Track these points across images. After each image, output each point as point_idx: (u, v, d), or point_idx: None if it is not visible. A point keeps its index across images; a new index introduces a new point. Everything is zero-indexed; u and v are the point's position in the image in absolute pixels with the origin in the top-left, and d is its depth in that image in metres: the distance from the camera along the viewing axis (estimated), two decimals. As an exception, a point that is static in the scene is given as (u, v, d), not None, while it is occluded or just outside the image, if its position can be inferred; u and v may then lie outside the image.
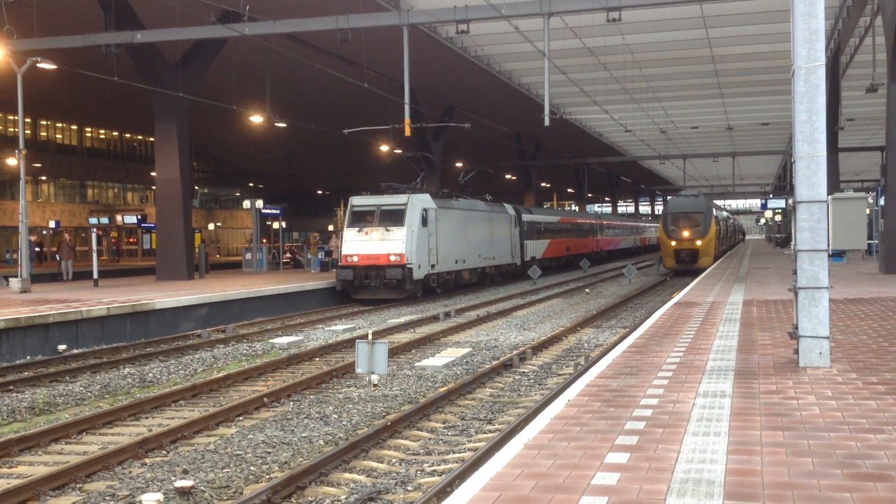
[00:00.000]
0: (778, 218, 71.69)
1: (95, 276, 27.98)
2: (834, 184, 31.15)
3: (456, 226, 30.57)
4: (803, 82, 8.77)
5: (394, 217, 26.79)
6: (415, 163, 31.19)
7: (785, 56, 31.13)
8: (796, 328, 9.04)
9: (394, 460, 8.98)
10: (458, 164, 59.01)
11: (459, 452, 9.22)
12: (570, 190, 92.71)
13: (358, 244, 26.76)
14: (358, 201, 27.77)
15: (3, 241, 54.61)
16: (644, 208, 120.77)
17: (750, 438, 6.26)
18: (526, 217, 41.22)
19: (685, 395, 7.84)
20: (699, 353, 10.45)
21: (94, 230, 31.92)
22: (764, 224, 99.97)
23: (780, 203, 58.36)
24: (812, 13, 8.73)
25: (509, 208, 38.84)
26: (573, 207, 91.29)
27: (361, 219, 27.10)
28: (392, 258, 26.38)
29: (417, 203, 27.27)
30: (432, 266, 28.03)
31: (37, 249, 32.70)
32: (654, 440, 6.29)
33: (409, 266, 26.35)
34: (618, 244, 67.68)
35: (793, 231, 9.12)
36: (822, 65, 8.75)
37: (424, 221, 27.30)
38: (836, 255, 30.62)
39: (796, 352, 9.14)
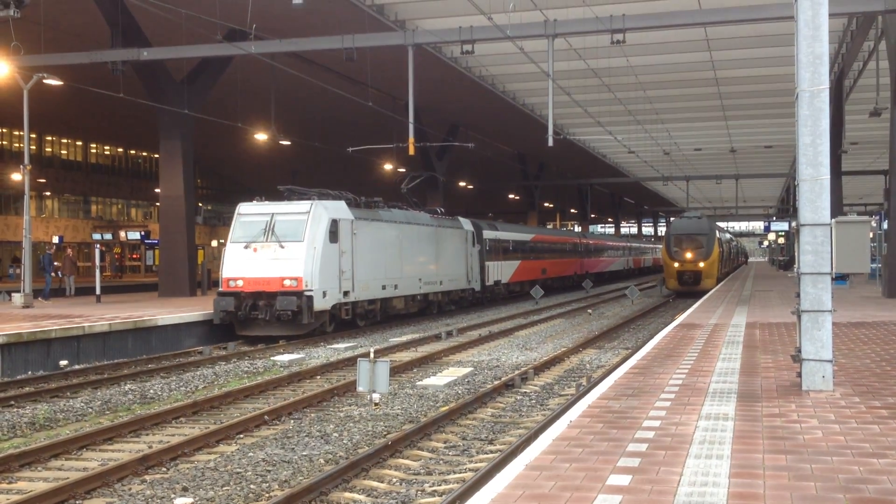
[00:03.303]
0: (781, 241, 71.70)
1: (98, 291, 28.00)
2: (837, 207, 31.16)
3: (384, 242, 25.21)
4: (807, 106, 8.79)
5: (291, 229, 21.62)
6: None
7: (788, 79, 31.29)
8: (799, 351, 9.02)
9: (394, 480, 8.95)
10: (462, 184, 59.17)
11: (460, 473, 9.18)
12: (573, 210, 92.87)
13: (243, 264, 21.51)
14: (246, 209, 22.55)
15: (7, 257, 54.69)
16: (647, 229, 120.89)
17: (752, 462, 6.23)
18: (489, 234, 35.98)
19: (688, 418, 7.82)
20: (702, 375, 10.42)
21: (98, 246, 31.95)
22: (767, 246, 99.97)
23: (784, 226, 58.44)
24: (816, 37, 8.77)
25: (465, 223, 33.53)
26: (576, 228, 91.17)
27: (250, 231, 21.92)
28: (286, 283, 21.04)
29: (323, 212, 22.02)
30: (345, 293, 22.56)
31: (55, 264, 32.61)
32: (657, 462, 6.26)
33: (307, 293, 20.92)
34: (606, 266, 61.62)
35: (796, 254, 9.12)
36: (826, 89, 8.78)
37: (334, 236, 22.05)
38: (839, 279, 30.58)
39: (799, 375, 9.11)
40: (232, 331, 21.73)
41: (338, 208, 22.89)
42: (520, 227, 44.08)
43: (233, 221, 22.54)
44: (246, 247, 21.70)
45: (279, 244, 21.41)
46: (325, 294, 21.56)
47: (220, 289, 21.71)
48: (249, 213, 22.36)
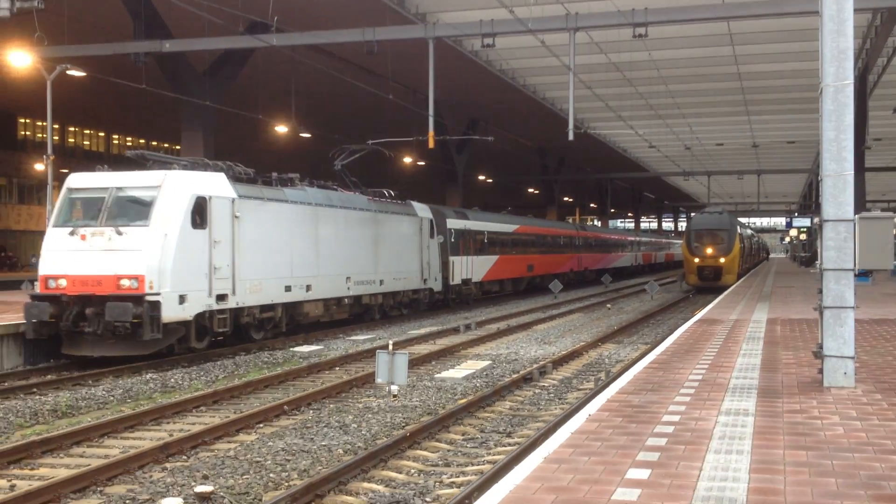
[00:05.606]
0: (803, 237, 71.18)
1: (119, 281, 28.13)
2: (860, 203, 30.87)
3: (289, 229, 19.67)
4: (831, 101, 8.73)
5: (133, 209, 16.13)
6: None
7: (812, 74, 31.03)
8: (821, 347, 8.97)
9: (412, 471, 8.97)
10: (481, 177, 59.12)
11: (478, 465, 9.20)
12: (592, 205, 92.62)
13: (67, 257, 15.89)
14: (78, 181, 16.82)
15: (30, 246, 55.13)
16: (667, 224, 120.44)
17: (773, 457, 6.21)
18: (454, 223, 30.69)
19: (707, 413, 7.79)
20: (722, 370, 10.38)
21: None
22: (788, 243, 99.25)
23: (806, 222, 57.93)
24: (841, 32, 8.70)
25: (421, 209, 27.94)
26: (595, 223, 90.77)
27: (82, 212, 16.43)
28: (123, 283, 15.40)
29: (184, 186, 16.34)
30: (220, 297, 16.95)
31: None
32: (676, 457, 6.25)
33: (151, 298, 15.33)
34: (610, 262, 56.36)
35: (818, 250, 9.06)
36: (851, 84, 8.71)
37: (200, 218, 16.46)
38: (862, 275, 30.34)
39: (821, 371, 9.06)
40: (50, 349, 16.48)
41: (210, 182, 17.06)
42: (499, 216, 38.73)
43: (59, 198, 16.90)
44: (72, 233, 15.99)
45: (115, 230, 15.77)
46: (182, 298, 15.95)
47: (37, 289, 16.27)
48: (81, 188, 16.67)
